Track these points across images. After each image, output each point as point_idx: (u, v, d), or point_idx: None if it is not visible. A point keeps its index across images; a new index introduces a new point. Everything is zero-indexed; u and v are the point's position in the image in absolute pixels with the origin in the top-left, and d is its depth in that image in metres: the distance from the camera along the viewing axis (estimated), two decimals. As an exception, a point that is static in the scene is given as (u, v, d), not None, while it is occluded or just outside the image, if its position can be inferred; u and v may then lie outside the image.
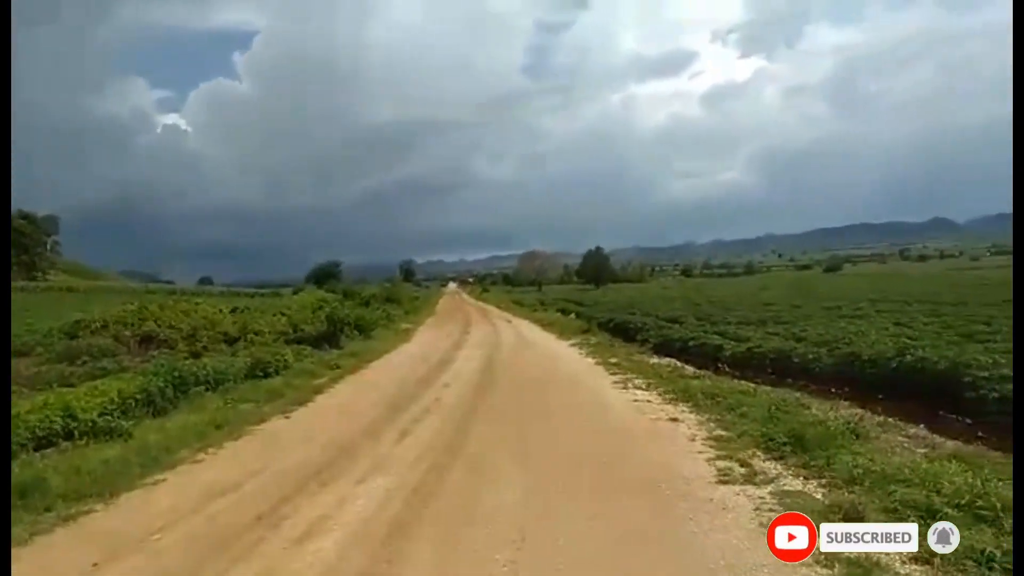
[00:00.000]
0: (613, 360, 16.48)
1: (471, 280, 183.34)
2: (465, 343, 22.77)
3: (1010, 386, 8.35)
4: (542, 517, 5.55)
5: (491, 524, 5.44)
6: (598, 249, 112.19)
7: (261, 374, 13.82)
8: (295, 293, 54.03)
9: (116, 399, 9.52)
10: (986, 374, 8.93)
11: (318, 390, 12.87)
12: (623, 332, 24.75)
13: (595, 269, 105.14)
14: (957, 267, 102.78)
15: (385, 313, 33.95)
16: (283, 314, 24.94)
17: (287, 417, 10.48)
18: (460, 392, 12.28)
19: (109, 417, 8.95)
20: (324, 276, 71.26)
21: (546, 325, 30.43)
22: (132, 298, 34.39)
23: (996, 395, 8.39)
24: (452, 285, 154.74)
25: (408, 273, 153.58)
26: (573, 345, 21.30)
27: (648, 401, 10.76)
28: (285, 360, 15.20)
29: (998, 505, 5.00)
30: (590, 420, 9.62)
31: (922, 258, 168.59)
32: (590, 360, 17.01)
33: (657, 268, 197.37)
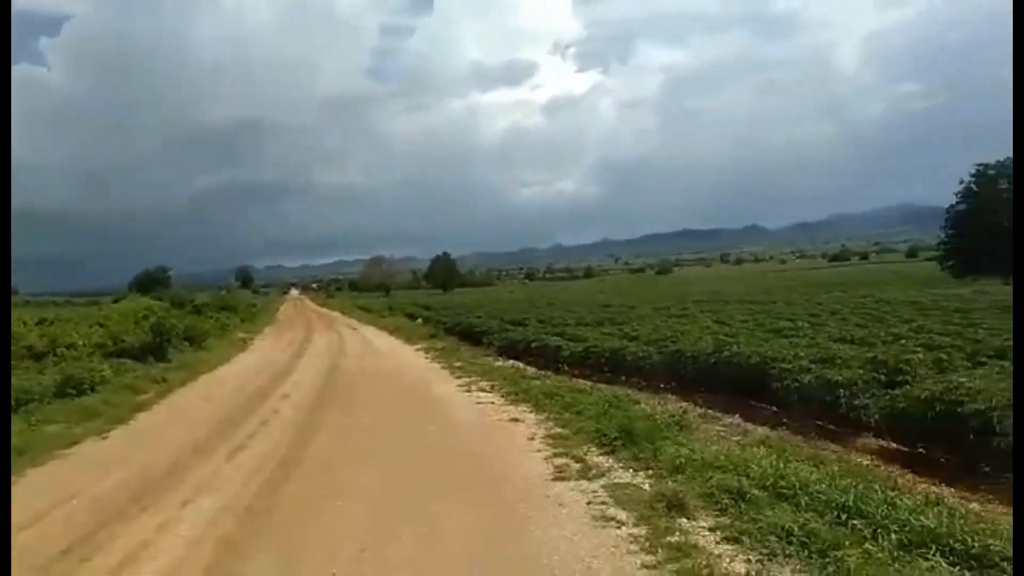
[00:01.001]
0: (458, 364, 16.64)
1: (315, 286, 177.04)
2: (307, 351, 22.00)
3: (808, 377, 9.35)
4: (384, 526, 5.48)
5: (330, 537, 5.29)
6: (445, 254, 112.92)
7: (74, 392, 12.50)
8: (115, 302, 49.48)
9: None
10: (789, 366, 9.91)
11: (141, 407, 11.87)
12: (469, 336, 24.88)
13: (443, 274, 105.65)
14: (768, 270, 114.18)
15: (219, 322, 31.99)
16: (101, 325, 22.76)
17: (103, 438, 9.58)
18: (300, 403, 11.84)
19: None
20: (150, 283, 66.18)
21: (392, 331, 30.08)
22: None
23: (797, 385, 9.34)
24: (294, 291, 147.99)
25: (246, 279, 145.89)
26: (419, 350, 21.23)
27: (491, 403, 10.97)
28: (102, 375, 13.87)
29: (796, 484, 5.59)
30: (434, 425, 9.63)
31: (739, 262, 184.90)
32: (436, 365, 17.05)
33: (503, 272, 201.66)
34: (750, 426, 9.29)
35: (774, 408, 9.92)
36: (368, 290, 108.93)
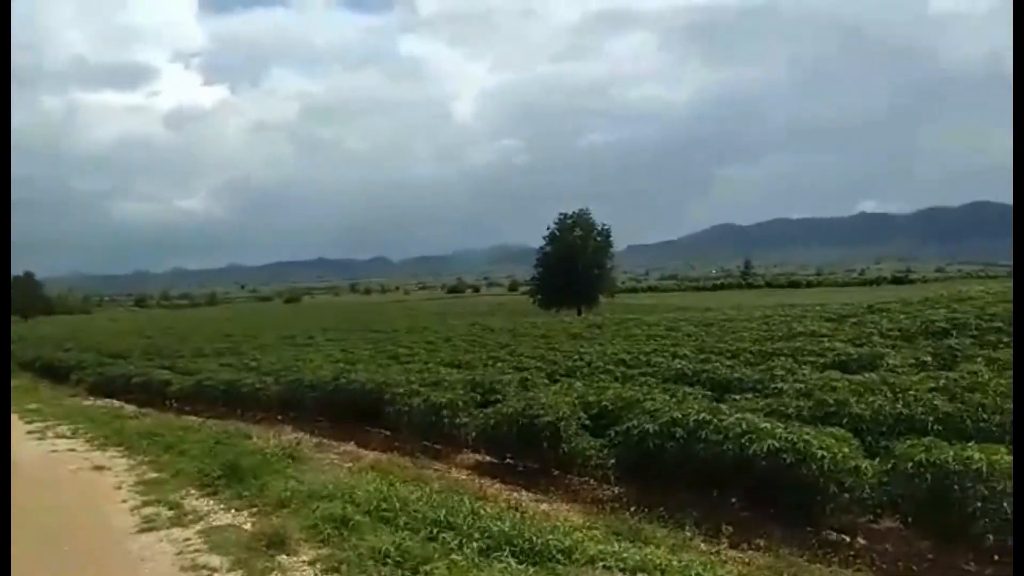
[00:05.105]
0: (33, 406, 14.06)
1: None
2: None
3: (418, 400, 9.86)
4: None
5: None
6: (27, 274, 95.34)
7: None
8: None
9: None
10: (401, 390, 10.35)
11: None
12: (54, 372, 21.62)
13: (23, 298, 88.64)
14: (394, 300, 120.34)
15: None
16: None
17: None
18: None
19: None
20: None
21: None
22: None
23: (407, 408, 9.79)
24: None
25: None
26: (-23, 392, 17.30)
27: (71, 450, 9.47)
28: None
29: (397, 505, 5.83)
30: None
31: (367, 291, 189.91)
32: (-1, 409, 14.05)
33: (107, 298, 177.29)
34: (363, 451, 9.47)
35: (388, 432, 10.29)
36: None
